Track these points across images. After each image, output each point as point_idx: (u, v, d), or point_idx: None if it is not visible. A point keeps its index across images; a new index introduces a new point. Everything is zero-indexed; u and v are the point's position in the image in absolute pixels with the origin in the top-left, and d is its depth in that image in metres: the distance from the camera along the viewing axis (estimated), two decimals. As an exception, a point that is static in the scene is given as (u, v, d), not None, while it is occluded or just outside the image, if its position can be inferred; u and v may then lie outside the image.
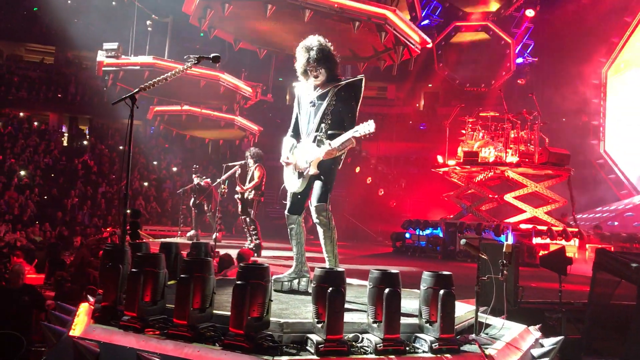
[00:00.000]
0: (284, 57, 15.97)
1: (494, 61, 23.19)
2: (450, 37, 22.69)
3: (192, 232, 13.74)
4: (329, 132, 4.94)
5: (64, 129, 28.41)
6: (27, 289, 6.83)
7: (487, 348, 3.98)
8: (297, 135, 5.27)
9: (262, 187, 11.07)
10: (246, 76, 19.16)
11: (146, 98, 18.77)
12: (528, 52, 23.79)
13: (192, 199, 14.04)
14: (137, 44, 17.07)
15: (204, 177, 14.15)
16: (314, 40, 5.12)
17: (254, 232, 11.01)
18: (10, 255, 10.82)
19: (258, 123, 21.82)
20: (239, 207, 11.24)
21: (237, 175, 11.23)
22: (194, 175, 14.18)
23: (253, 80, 19.55)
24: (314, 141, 4.99)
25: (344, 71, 22.35)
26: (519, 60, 23.53)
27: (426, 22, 23.62)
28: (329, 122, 4.98)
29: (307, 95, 5.20)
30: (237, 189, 11.12)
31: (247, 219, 11.08)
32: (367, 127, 4.65)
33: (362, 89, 5.05)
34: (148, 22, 17.99)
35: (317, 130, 5.00)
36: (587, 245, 14.27)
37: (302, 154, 5.10)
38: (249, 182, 11.00)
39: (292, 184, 5.20)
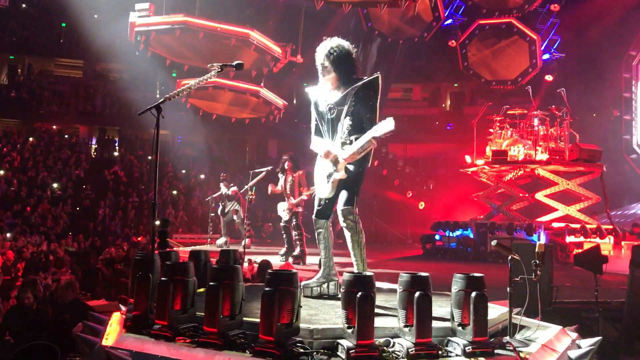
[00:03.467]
0: (315, 14, 15.28)
1: (520, 58, 22.86)
2: (475, 36, 22.40)
3: (221, 240, 13.79)
4: (352, 136, 4.89)
5: (94, 141, 28.91)
6: (76, 304, 6.85)
7: (522, 350, 3.90)
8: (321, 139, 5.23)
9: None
10: (271, 36, 18.45)
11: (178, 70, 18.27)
12: (555, 48, 23.37)
13: (221, 207, 14.10)
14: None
15: (232, 185, 14.18)
16: (332, 41, 5.08)
17: (298, 238, 10.78)
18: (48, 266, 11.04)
19: (285, 93, 21.25)
20: (288, 218, 10.83)
21: (281, 187, 10.78)
22: (221, 184, 14.24)
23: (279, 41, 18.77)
24: (341, 147, 4.96)
25: (358, 21, 21.72)
26: (546, 56, 23.12)
27: (449, 21, 23.38)
28: (350, 125, 4.93)
29: (324, 101, 5.13)
30: (287, 206, 10.74)
31: (294, 225, 10.77)
32: (385, 126, 4.53)
33: (380, 86, 4.95)
34: None
35: (341, 136, 4.97)
36: (623, 243, 13.92)
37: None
38: (294, 193, 10.61)
39: (322, 189, 5.17)
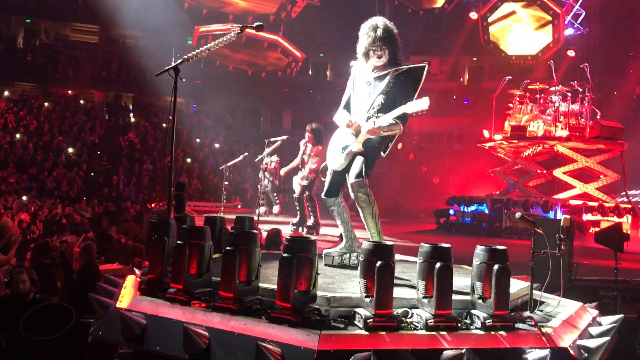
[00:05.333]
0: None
1: (542, 33, 22.40)
2: (496, 8, 21.95)
3: (261, 209, 13.66)
4: (379, 114, 4.83)
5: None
6: (88, 266, 6.84)
7: (543, 326, 3.82)
8: (347, 112, 5.17)
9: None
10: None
11: (196, 16, 18.06)
12: (578, 22, 22.85)
13: (264, 177, 13.73)
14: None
15: (273, 159, 13.89)
16: (379, 21, 5.02)
17: (312, 209, 10.71)
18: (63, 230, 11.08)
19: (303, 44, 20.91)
20: (300, 191, 10.64)
21: (301, 159, 10.60)
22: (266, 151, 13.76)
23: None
24: (365, 121, 4.88)
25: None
26: (569, 31, 22.63)
27: (471, -7, 22.96)
28: (382, 103, 4.87)
29: (363, 76, 5.09)
30: (300, 177, 10.57)
31: (307, 196, 10.59)
32: (419, 105, 4.48)
33: (424, 77, 4.90)
34: None
35: (368, 110, 4.90)
36: (642, 222, 13.74)
37: (349, 130, 5.00)
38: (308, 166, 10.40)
39: (335, 160, 5.11)
